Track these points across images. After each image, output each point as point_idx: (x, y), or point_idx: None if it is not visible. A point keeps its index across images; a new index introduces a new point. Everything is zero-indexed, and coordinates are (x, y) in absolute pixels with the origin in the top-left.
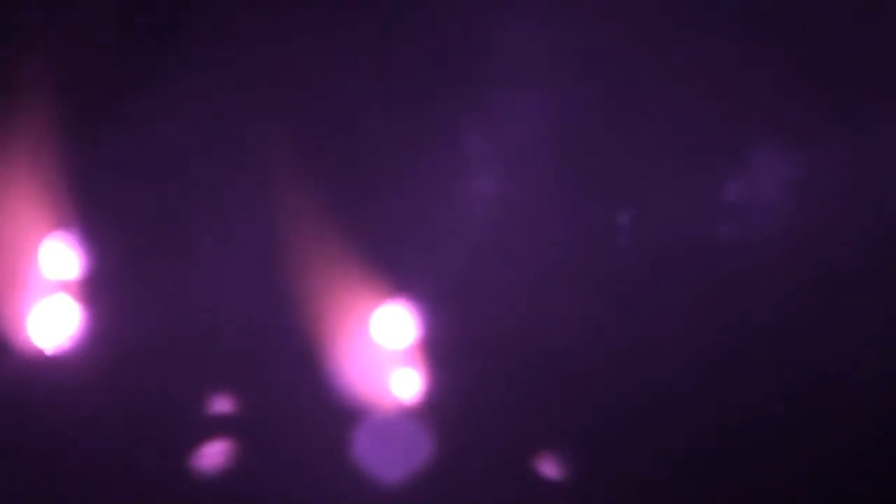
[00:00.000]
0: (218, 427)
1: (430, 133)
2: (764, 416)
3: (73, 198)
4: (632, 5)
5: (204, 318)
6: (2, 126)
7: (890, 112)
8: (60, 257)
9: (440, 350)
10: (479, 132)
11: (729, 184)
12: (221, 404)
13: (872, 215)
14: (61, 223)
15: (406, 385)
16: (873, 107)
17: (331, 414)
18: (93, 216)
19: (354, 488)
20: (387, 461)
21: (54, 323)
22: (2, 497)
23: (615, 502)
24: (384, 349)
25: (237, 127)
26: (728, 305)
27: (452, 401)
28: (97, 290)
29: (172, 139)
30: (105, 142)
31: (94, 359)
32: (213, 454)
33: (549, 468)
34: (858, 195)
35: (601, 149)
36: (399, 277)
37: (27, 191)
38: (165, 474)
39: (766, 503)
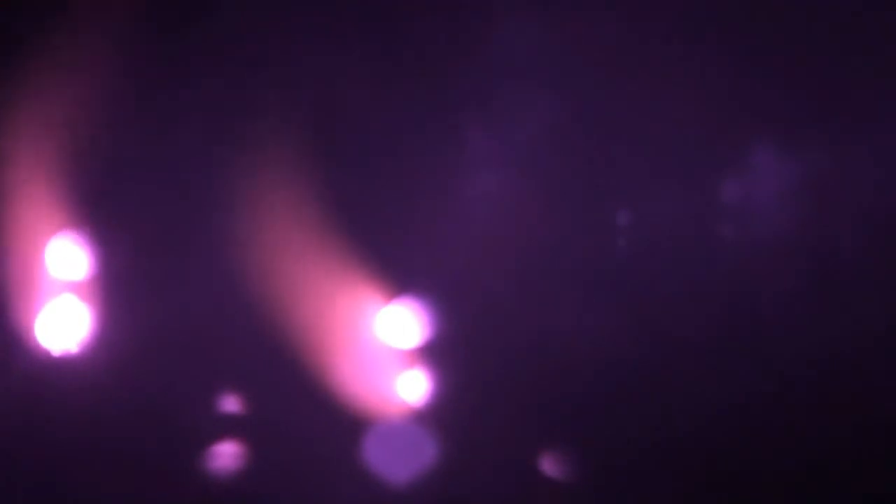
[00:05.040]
0: (225, 428)
1: (434, 132)
2: (766, 416)
3: (81, 199)
4: (633, 5)
5: (211, 318)
6: (8, 128)
7: (890, 112)
8: (69, 258)
9: (446, 351)
10: (483, 131)
11: (731, 184)
12: (229, 405)
13: (873, 215)
14: (69, 224)
15: (412, 386)
16: (873, 106)
17: (337, 415)
18: (101, 217)
19: (360, 490)
20: (392, 463)
21: (63, 324)
22: (10, 497)
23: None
24: (390, 350)
25: (241, 127)
26: (729, 305)
27: (459, 402)
28: (105, 290)
29: (180, 140)
30: (112, 143)
31: (103, 359)
32: (220, 455)
33: (557, 471)
34: (859, 195)
35: (602, 149)
36: (404, 278)
37: (35, 192)
38: (173, 475)
39: (770, 502)
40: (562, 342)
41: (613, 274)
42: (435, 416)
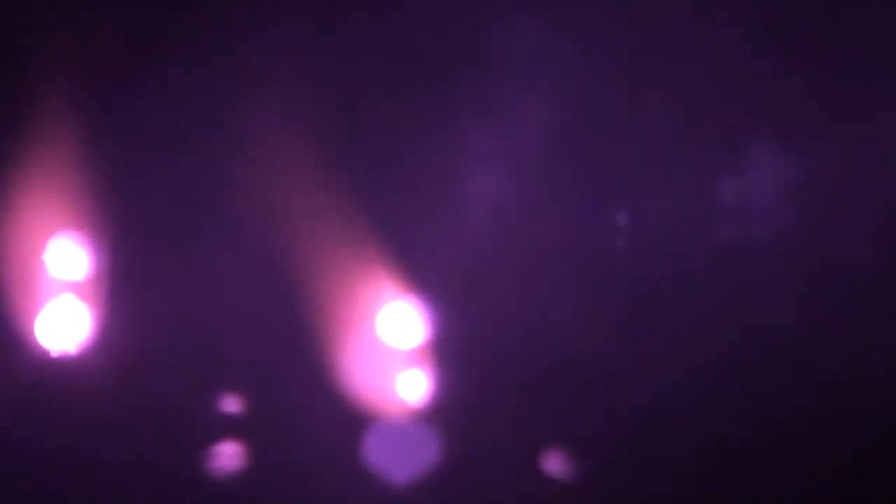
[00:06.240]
0: (226, 428)
1: (436, 133)
2: (767, 417)
3: (82, 198)
4: (633, 6)
5: (212, 319)
6: (9, 128)
7: (889, 111)
8: (69, 258)
9: (448, 351)
10: (483, 132)
11: (731, 184)
12: (229, 405)
13: (873, 214)
14: (70, 224)
15: (413, 386)
16: (872, 105)
17: (338, 415)
18: (101, 217)
19: (362, 490)
20: (395, 463)
21: (63, 324)
22: (11, 498)
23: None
24: (392, 350)
25: (241, 127)
26: (729, 306)
27: (460, 402)
28: (105, 290)
29: (180, 139)
30: (113, 143)
31: (103, 360)
32: (221, 455)
33: (559, 470)
34: (858, 194)
35: (602, 149)
36: (406, 277)
37: (35, 192)
38: (173, 476)
39: (769, 501)
40: (563, 342)
41: (615, 274)
42: (436, 415)
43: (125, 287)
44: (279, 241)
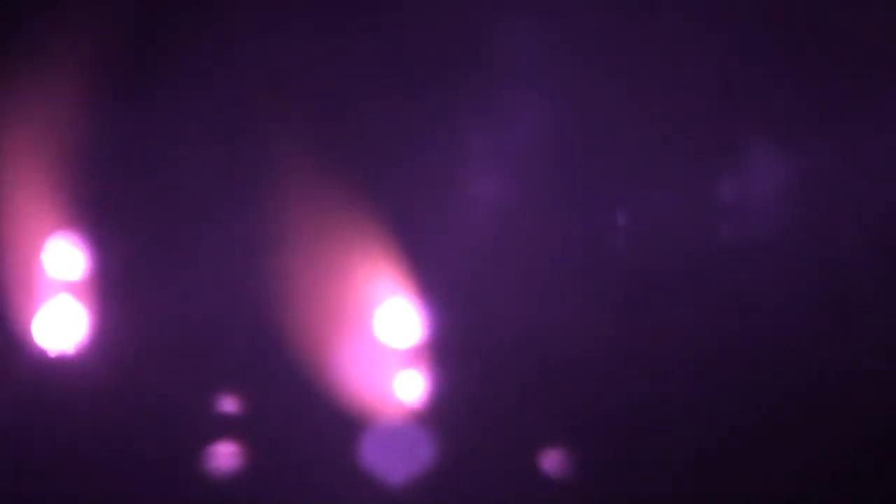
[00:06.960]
0: (224, 429)
1: (436, 133)
2: (767, 417)
3: (78, 199)
4: (632, 6)
5: (209, 318)
6: (6, 127)
7: (889, 110)
8: (66, 258)
9: (445, 351)
10: (481, 133)
11: (730, 184)
12: (227, 406)
13: (872, 214)
14: (66, 224)
15: (411, 386)
16: (872, 105)
17: (335, 415)
18: (98, 217)
19: (360, 491)
20: (392, 463)
21: (60, 324)
22: (10, 498)
23: None
24: (390, 349)
25: (240, 127)
26: (729, 305)
27: (459, 402)
28: (102, 291)
29: (176, 139)
30: (110, 142)
31: (100, 360)
32: (218, 456)
33: (556, 471)
34: (857, 194)
35: (601, 149)
36: (405, 277)
37: (32, 192)
38: (170, 476)
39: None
40: (562, 342)
41: (615, 274)
42: (434, 415)
43: (123, 287)
44: (277, 240)
